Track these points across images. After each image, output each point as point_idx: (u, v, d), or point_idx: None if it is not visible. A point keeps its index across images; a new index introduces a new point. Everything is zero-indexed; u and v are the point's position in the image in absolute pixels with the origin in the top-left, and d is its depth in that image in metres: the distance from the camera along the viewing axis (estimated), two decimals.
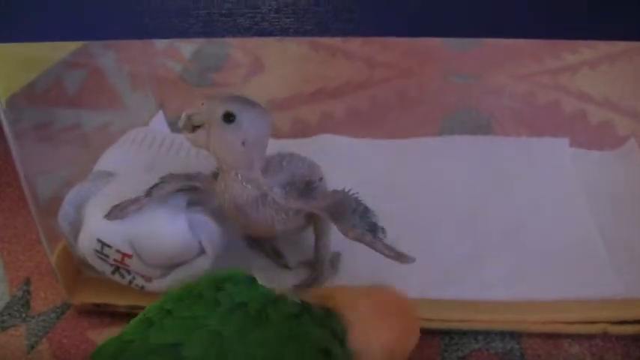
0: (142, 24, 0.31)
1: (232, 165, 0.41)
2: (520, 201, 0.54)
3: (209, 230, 0.46)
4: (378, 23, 0.30)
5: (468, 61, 0.79)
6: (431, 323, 0.45)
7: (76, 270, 0.49)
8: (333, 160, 0.53)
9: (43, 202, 0.46)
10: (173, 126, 0.65)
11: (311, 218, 0.46)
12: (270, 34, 0.31)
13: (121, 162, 0.53)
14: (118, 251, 0.44)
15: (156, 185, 0.44)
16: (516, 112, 0.70)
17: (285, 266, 0.50)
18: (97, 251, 0.45)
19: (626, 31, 0.29)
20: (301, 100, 0.74)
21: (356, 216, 0.42)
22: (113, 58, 0.67)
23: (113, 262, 0.45)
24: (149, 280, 0.46)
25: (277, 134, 0.65)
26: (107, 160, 0.54)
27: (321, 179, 0.47)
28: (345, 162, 0.58)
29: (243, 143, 0.40)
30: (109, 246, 0.44)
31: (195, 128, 0.41)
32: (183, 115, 0.41)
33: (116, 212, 0.44)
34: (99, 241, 0.44)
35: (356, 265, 0.49)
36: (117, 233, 0.44)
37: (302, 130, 0.68)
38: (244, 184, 0.42)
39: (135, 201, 0.44)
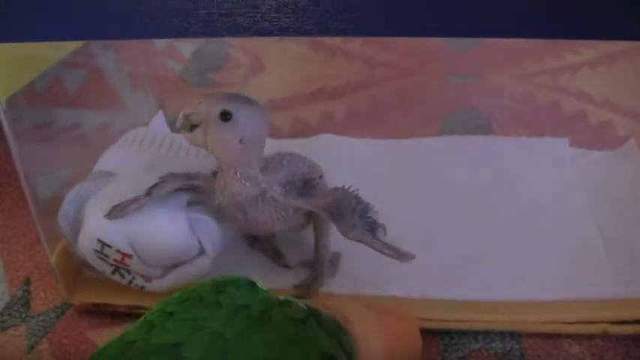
0: (142, 24, 0.31)
1: (230, 163, 0.41)
2: (520, 201, 0.54)
3: (209, 230, 0.46)
4: (378, 23, 0.30)
5: (467, 61, 0.79)
6: (431, 323, 0.45)
7: (75, 270, 0.49)
8: (333, 160, 0.53)
9: (43, 202, 0.46)
10: (173, 126, 0.65)
11: (311, 217, 0.46)
12: (270, 33, 0.31)
13: (121, 162, 0.53)
14: (117, 251, 0.44)
15: (156, 185, 0.44)
16: (516, 112, 0.70)
17: (285, 266, 0.50)
18: (97, 251, 0.45)
19: (626, 31, 0.29)
20: (301, 100, 0.74)
21: (355, 215, 0.42)
22: (113, 58, 0.67)
23: (113, 262, 0.45)
24: (149, 280, 0.46)
25: (277, 134, 0.65)
26: (107, 160, 0.53)
27: (321, 176, 0.47)
28: (345, 162, 0.58)
29: (240, 141, 0.40)
30: (109, 246, 0.44)
31: (193, 127, 0.41)
32: (181, 115, 0.41)
33: (116, 212, 0.44)
34: (99, 241, 0.44)
35: (356, 265, 0.49)
36: (117, 233, 0.44)
37: (302, 130, 0.68)
38: (243, 181, 0.42)
39: (135, 201, 0.44)
